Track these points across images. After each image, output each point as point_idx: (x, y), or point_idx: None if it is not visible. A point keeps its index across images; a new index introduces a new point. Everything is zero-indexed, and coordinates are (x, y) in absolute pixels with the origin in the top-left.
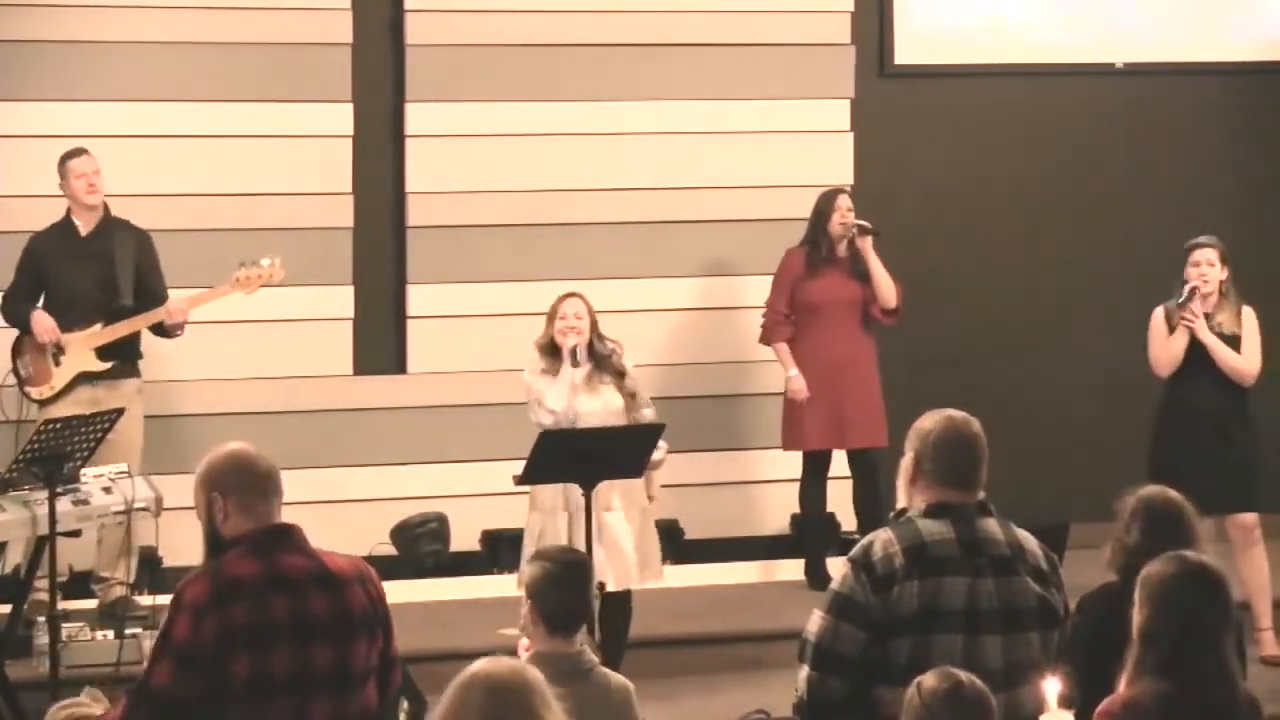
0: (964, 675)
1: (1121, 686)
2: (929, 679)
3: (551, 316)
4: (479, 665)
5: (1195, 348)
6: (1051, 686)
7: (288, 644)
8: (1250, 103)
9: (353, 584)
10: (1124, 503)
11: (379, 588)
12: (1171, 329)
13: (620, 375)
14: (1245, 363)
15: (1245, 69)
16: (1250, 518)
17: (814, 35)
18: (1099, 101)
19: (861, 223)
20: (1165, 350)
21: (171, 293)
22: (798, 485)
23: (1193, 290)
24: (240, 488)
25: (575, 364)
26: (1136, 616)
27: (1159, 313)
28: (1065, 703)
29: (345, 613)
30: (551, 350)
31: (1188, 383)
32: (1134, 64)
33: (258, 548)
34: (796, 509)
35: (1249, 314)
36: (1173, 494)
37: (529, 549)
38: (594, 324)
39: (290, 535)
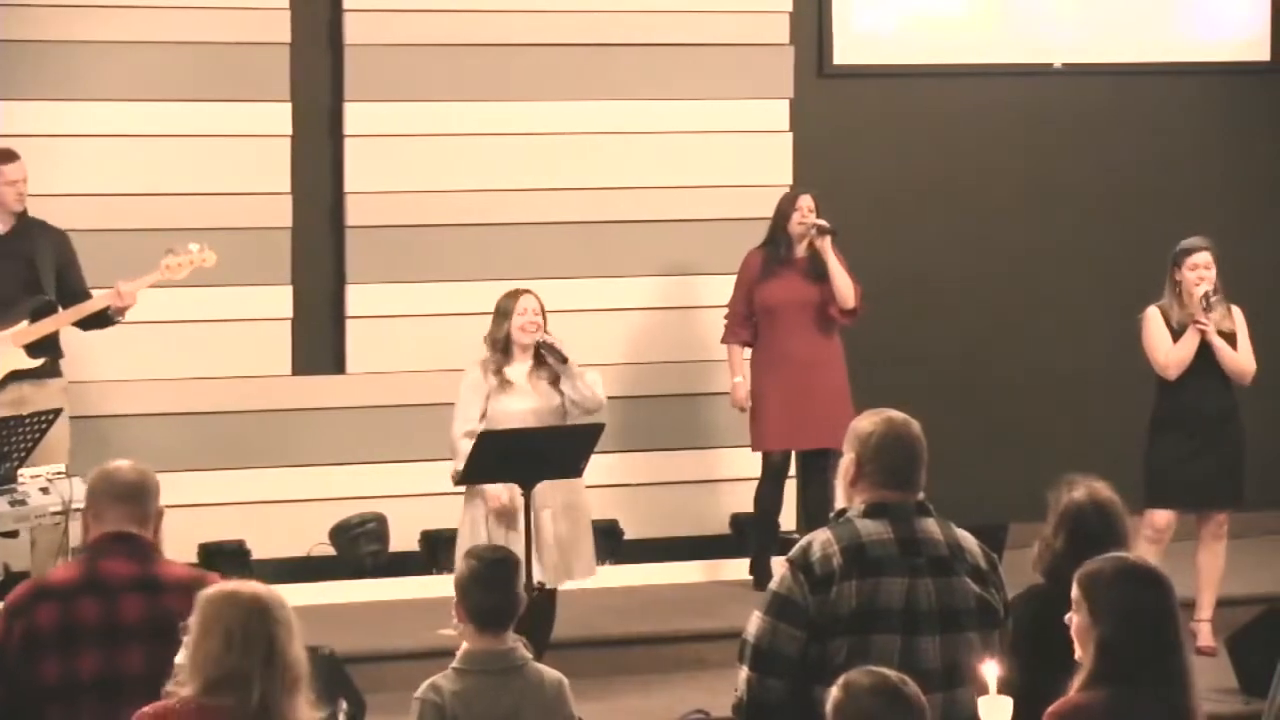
0: (892, 674)
1: (1074, 689)
2: (854, 677)
3: (506, 313)
4: (233, 585)
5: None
6: (990, 670)
7: (96, 647)
8: (1192, 103)
9: (175, 591)
10: (1055, 499)
11: None
12: (1173, 330)
13: (556, 376)
14: (1247, 362)
15: (1186, 70)
16: (1224, 515)
17: (753, 35)
18: (1037, 102)
19: (820, 222)
20: (1176, 353)
21: (105, 294)
22: (738, 485)
23: (1206, 295)
24: (96, 498)
25: (559, 359)
26: (1089, 623)
27: (1156, 314)
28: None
29: (162, 618)
30: (506, 347)
31: (1189, 385)
32: (1072, 64)
33: (89, 554)
34: (736, 509)
35: (1238, 312)
36: (1102, 494)
37: (463, 545)
38: (544, 320)
39: (127, 542)
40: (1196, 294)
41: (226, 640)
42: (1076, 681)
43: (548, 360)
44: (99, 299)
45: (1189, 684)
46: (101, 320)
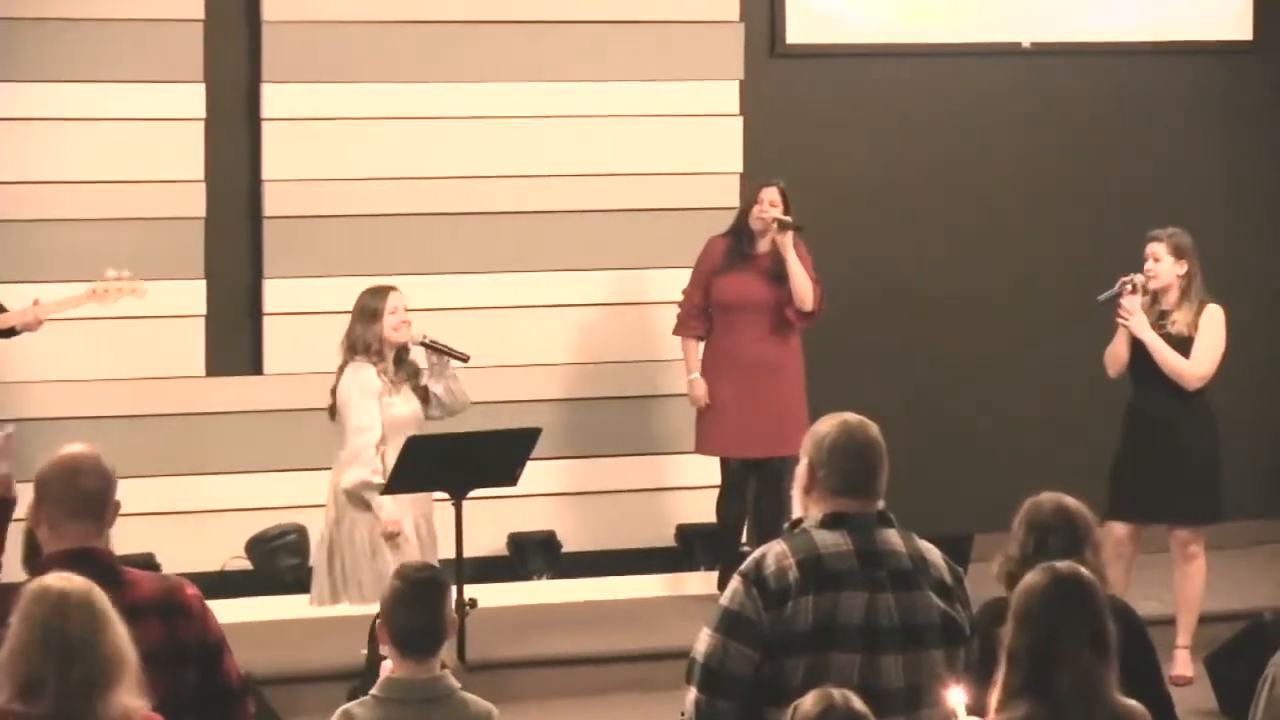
0: (837, 692)
1: (992, 708)
2: (807, 701)
3: (376, 313)
4: (44, 579)
5: (1145, 348)
6: (956, 695)
7: None
8: (1168, 83)
9: (148, 616)
10: (1020, 513)
11: (194, 619)
12: None
13: (415, 374)
14: (1188, 365)
15: (1162, 49)
16: (1185, 533)
17: (700, 12)
18: (1004, 82)
19: (781, 217)
20: (1111, 351)
21: (5, 288)
22: (684, 494)
23: (1122, 285)
24: (54, 500)
25: (460, 357)
26: (1005, 633)
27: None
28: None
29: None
30: (380, 349)
31: (1141, 386)
32: (1041, 44)
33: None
34: (683, 519)
35: (1212, 312)
36: (1065, 501)
37: (358, 567)
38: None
39: (91, 561)
40: (1116, 285)
41: (30, 641)
42: (993, 698)
43: (432, 360)
44: (10, 315)
45: (1096, 703)
46: (7, 331)
